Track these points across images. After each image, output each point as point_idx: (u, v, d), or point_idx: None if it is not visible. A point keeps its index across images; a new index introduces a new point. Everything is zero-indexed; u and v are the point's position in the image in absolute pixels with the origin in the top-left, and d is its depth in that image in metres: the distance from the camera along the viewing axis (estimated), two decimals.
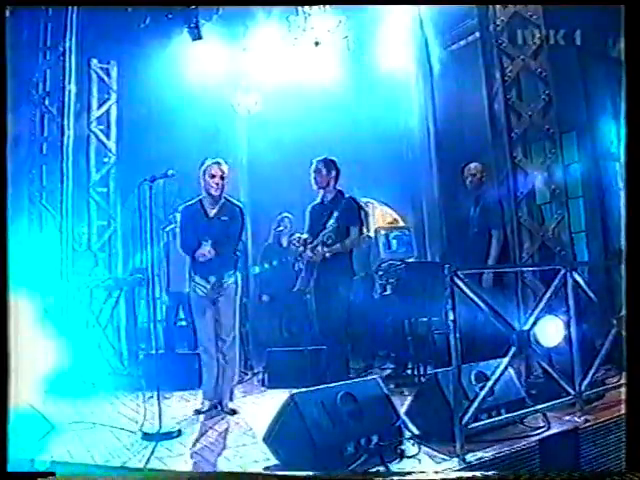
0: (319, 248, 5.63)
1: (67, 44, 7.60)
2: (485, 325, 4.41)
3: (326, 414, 3.77)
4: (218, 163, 5.43)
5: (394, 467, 3.69)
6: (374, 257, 7.66)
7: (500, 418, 4.23)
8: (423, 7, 7.96)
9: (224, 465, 4.00)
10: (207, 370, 5.45)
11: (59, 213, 7.48)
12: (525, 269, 5.47)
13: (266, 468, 3.81)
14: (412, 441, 4.02)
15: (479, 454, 3.80)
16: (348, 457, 3.69)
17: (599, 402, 4.76)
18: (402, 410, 4.28)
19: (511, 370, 4.44)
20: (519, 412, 4.33)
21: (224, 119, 10.01)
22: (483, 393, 4.01)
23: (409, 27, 8.25)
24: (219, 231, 5.37)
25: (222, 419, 5.19)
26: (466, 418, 3.85)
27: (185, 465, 4.06)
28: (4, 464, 3.48)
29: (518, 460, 3.87)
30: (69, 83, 7.62)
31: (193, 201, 5.56)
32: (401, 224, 8.45)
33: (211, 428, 4.95)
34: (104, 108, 8.19)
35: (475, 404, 3.94)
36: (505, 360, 4.19)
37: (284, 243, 8.35)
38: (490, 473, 3.64)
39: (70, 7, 7.53)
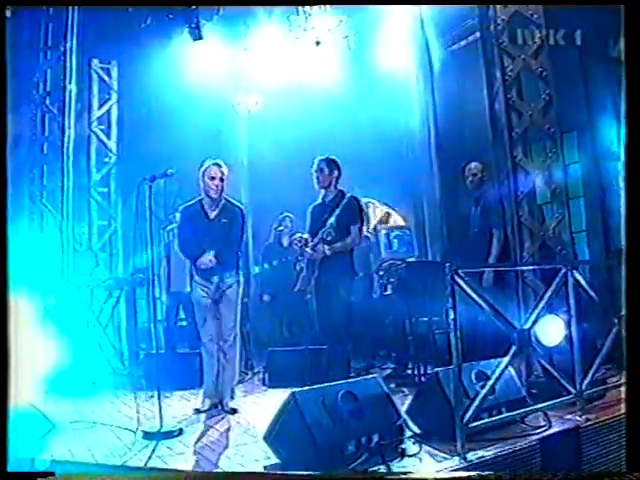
0: (319, 246, 5.63)
1: (68, 44, 7.63)
2: (486, 324, 4.41)
3: (327, 413, 3.77)
4: (218, 165, 5.42)
5: (395, 466, 3.69)
6: (375, 257, 7.67)
7: (501, 417, 4.24)
8: (424, 7, 7.96)
9: (225, 464, 4.00)
10: (208, 369, 5.46)
11: (60, 213, 7.50)
12: (526, 268, 5.47)
13: (267, 467, 3.81)
14: (413, 440, 4.02)
15: (480, 453, 3.80)
16: (349, 456, 3.70)
17: (600, 401, 4.76)
18: (403, 409, 4.28)
19: (512, 369, 4.44)
20: (520, 411, 4.33)
21: (225, 119, 10.03)
22: (484, 392, 4.01)
23: (410, 27, 8.24)
24: (219, 234, 5.36)
25: (223, 418, 5.20)
26: (467, 417, 3.85)
27: (186, 464, 4.05)
28: (4, 463, 3.48)
29: (519, 459, 3.86)
30: (70, 83, 7.65)
31: (193, 202, 5.56)
32: (402, 224, 8.44)
33: (212, 427, 4.96)
34: (105, 108, 8.20)
35: (476, 403, 3.94)
36: (506, 359, 4.19)
37: (285, 243, 8.35)
38: (490, 472, 3.64)
39: (71, 7, 7.54)
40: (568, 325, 4.53)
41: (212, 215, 5.45)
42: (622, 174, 5.80)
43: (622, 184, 5.59)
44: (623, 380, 4.42)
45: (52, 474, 3.50)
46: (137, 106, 8.49)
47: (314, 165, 5.79)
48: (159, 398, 4.71)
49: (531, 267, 5.50)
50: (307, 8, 8.02)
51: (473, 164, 6.21)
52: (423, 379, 5.99)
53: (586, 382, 4.59)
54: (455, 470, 3.62)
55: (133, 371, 7.16)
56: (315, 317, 6.18)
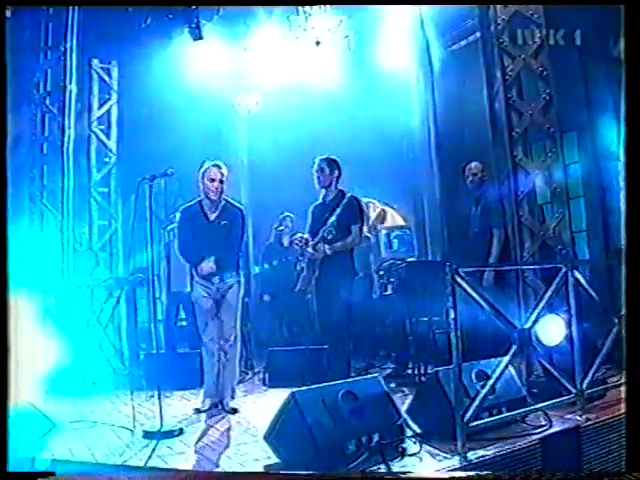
0: (320, 245, 5.63)
1: (68, 44, 7.62)
2: (486, 323, 4.41)
3: (327, 412, 3.77)
4: (217, 166, 5.40)
5: (395, 465, 3.69)
6: (375, 257, 7.66)
7: (501, 416, 4.24)
8: (424, 7, 7.95)
9: (225, 463, 4.00)
10: (208, 369, 5.46)
11: (60, 213, 7.49)
12: (526, 267, 5.47)
13: (267, 466, 3.81)
14: (413, 439, 4.02)
15: (480, 452, 3.80)
16: (349, 455, 3.70)
17: (600, 401, 4.76)
18: (403, 408, 4.28)
19: (512, 369, 4.45)
20: (520, 410, 4.33)
21: (225, 119, 10.02)
22: (484, 391, 4.01)
23: (410, 27, 8.24)
24: (220, 236, 5.36)
25: (223, 418, 5.21)
26: (467, 416, 3.85)
27: (186, 463, 4.06)
28: (4, 463, 3.48)
29: (519, 458, 3.86)
30: (70, 83, 7.64)
31: (192, 203, 5.55)
32: (402, 224, 8.44)
33: (212, 427, 4.97)
34: (105, 108, 8.19)
35: (476, 402, 3.94)
36: (506, 358, 4.19)
37: (285, 243, 8.35)
38: (490, 472, 3.64)
39: (71, 7, 7.54)
40: (568, 325, 4.53)
41: (212, 217, 5.45)
42: (622, 174, 5.80)
43: (622, 184, 5.59)
44: (623, 380, 4.43)
45: (52, 474, 3.50)
46: (137, 106, 8.48)
47: (315, 165, 5.79)
48: (159, 398, 4.71)
49: (531, 267, 5.50)
50: (307, 8, 8.01)
51: (473, 164, 6.20)
52: (423, 379, 5.98)
53: (586, 382, 4.59)
54: (455, 469, 3.61)
55: (133, 371, 7.15)
56: (315, 317, 6.18)
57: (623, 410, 4.06)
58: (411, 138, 8.79)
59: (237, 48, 8.61)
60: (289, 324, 8.34)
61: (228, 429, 4.91)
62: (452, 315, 3.87)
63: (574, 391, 4.51)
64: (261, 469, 3.81)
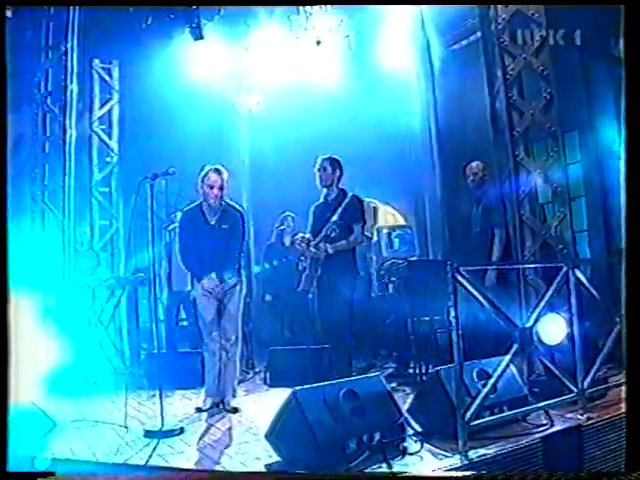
0: (322, 244, 5.63)
1: (69, 44, 7.63)
2: (487, 322, 4.40)
3: (328, 411, 3.77)
4: (217, 171, 5.38)
5: (396, 464, 3.69)
6: (376, 256, 7.66)
7: (502, 415, 4.24)
8: (424, 7, 7.95)
9: (226, 462, 4.00)
10: (210, 368, 5.46)
11: (61, 212, 7.50)
12: (527, 266, 5.46)
13: (268, 465, 3.81)
14: (414, 438, 4.02)
15: (481, 451, 3.80)
16: (350, 454, 3.70)
17: (601, 400, 4.76)
18: (404, 407, 4.28)
19: (513, 367, 4.44)
20: (521, 409, 4.33)
21: (226, 119, 10.02)
22: (485, 390, 4.01)
23: (410, 27, 8.23)
24: (220, 241, 5.36)
25: (224, 417, 5.21)
26: (468, 415, 3.85)
27: (187, 462, 4.05)
28: (4, 462, 3.48)
29: (521, 457, 3.86)
30: (71, 83, 7.64)
31: (193, 205, 5.55)
32: (403, 223, 8.44)
33: (214, 426, 4.97)
34: (106, 108, 8.20)
35: (477, 401, 3.94)
36: (507, 357, 4.19)
37: (287, 242, 8.34)
38: (491, 471, 3.64)
39: (72, 7, 7.54)
40: (570, 324, 4.52)
41: (212, 221, 5.44)
42: (622, 173, 5.79)
43: (622, 182, 5.59)
44: (624, 379, 4.42)
45: (52, 474, 3.50)
46: (138, 106, 8.49)
47: (317, 164, 5.81)
48: (161, 397, 4.71)
49: (532, 265, 5.50)
50: (308, 8, 8.01)
51: (474, 163, 6.20)
52: (425, 378, 5.97)
53: (588, 381, 4.59)
54: (456, 468, 3.61)
55: (134, 370, 7.15)
56: (317, 316, 6.18)
57: (624, 409, 4.06)
58: (412, 138, 8.79)
59: (238, 48, 8.61)
60: (290, 323, 8.33)
61: (229, 428, 4.91)
62: (453, 314, 3.87)
63: (575, 390, 4.51)
64: (262, 468, 3.81)
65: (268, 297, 8.60)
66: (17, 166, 6.53)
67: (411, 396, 4.75)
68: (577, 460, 4.06)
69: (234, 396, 5.55)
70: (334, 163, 5.79)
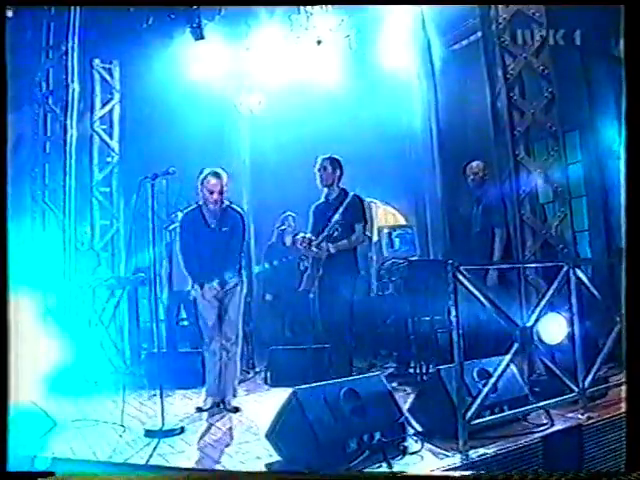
0: (323, 244, 5.64)
1: (70, 44, 7.64)
2: (488, 322, 4.40)
3: (329, 410, 3.77)
4: (217, 175, 5.35)
5: (397, 464, 3.69)
6: (377, 256, 7.67)
7: (503, 415, 4.24)
8: (425, 7, 7.94)
9: (227, 462, 4.00)
10: (210, 368, 5.47)
11: (62, 212, 7.50)
12: (528, 266, 5.46)
13: (268, 465, 3.81)
14: (415, 438, 4.01)
15: (482, 451, 3.80)
16: (350, 453, 3.70)
17: (602, 399, 4.76)
18: (405, 407, 4.28)
19: (514, 367, 4.44)
20: (522, 409, 4.34)
21: (227, 119, 10.03)
22: (486, 390, 4.01)
23: (411, 26, 8.23)
24: (221, 243, 5.36)
25: (225, 416, 5.22)
26: (469, 415, 3.85)
27: (188, 462, 4.06)
28: (4, 462, 3.48)
29: (521, 457, 3.86)
30: (72, 82, 7.65)
31: (193, 207, 5.54)
32: (404, 223, 8.44)
33: (214, 425, 4.97)
34: (107, 108, 8.20)
35: (478, 401, 3.94)
36: (508, 357, 4.18)
37: (287, 242, 8.33)
38: (492, 470, 3.64)
39: (72, 7, 7.55)
40: (570, 323, 4.52)
41: (212, 224, 5.44)
42: (623, 172, 5.79)
43: (623, 182, 5.58)
44: (624, 379, 4.42)
45: (52, 474, 3.50)
46: (139, 106, 8.49)
47: (317, 164, 5.81)
48: (161, 397, 4.72)
49: (533, 265, 5.50)
50: (308, 7, 8.01)
51: (475, 163, 6.20)
52: (425, 378, 5.97)
53: (588, 380, 4.58)
54: (457, 468, 3.61)
55: (135, 370, 7.15)
56: (318, 316, 6.18)
57: (625, 409, 4.06)
58: (413, 137, 8.78)
59: (239, 48, 8.61)
60: (291, 323, 8.33)
61: (230, 428, 4.92)
62: (453, 313, 3.87)
63: (576, 390, 4.50)
64: (263, 467, 3.81)
65: (269, 297, 8.60)
66: (17, 166, 6.54)
67: (412, 396, 4.74)
68: (577, 460, 4.06)
69: (235, 396, 5.56)
70: (334, 163, 5.80)
